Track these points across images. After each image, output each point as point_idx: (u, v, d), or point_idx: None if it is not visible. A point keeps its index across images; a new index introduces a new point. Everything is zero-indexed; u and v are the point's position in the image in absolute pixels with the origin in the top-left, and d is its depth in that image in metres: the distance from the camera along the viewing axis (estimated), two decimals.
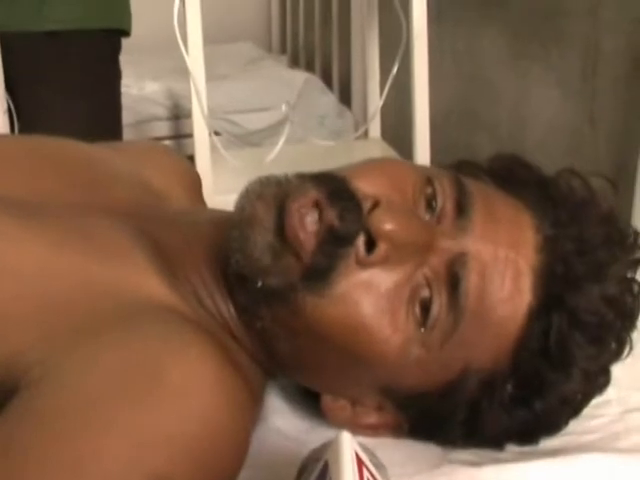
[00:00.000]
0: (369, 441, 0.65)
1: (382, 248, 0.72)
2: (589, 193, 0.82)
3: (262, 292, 0.74)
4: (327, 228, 0.72)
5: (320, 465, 0.58)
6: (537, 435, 0.81)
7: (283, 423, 0.84)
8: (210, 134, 1.79)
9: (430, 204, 0.76)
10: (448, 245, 0.74)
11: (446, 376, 0.76)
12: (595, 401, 0.82)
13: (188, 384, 0.65)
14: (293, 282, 0.72)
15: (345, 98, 2.97)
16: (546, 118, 1.83)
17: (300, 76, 2.99)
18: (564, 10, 1.72)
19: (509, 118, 1.99)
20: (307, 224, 0.72)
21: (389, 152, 2.33)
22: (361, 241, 0.72)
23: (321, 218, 0.72)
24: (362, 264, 0.72)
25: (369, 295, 0.72)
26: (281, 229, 0.72)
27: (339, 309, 0.72)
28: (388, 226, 0.71)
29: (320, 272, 0.72)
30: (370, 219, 0.72)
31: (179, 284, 0.78)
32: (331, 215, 0.72)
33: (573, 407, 0.80)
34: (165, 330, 0.69)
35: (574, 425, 0.81)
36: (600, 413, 0.84)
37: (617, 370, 0.81)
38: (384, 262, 0.72)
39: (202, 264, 0.80)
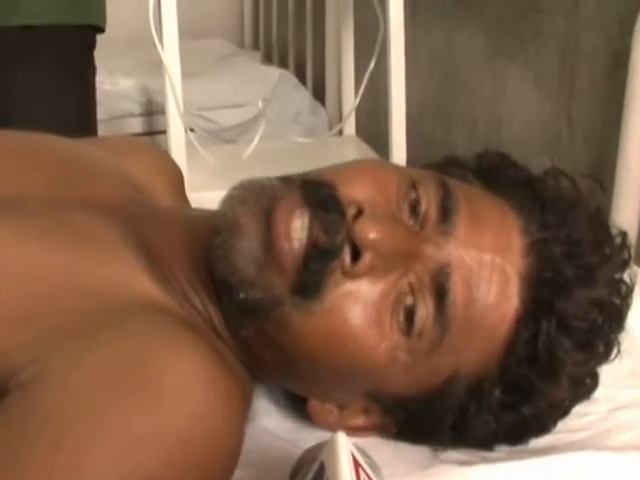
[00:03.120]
0: (360, 441, 0.64)
1: (367, 258, 0.71)
2: (577, 194, 0.81)
3: (245, 304, 0.73)
4: (312, 243, 0.71)
5: (316, 466, 0.58)
6: (526, 437, 0.80)
7: (272, 424, 0.83)
8: (186, 131, 1.79)
9: (414, 209, 0.75)
10: (432, 253, 0.73)
11: (433, 382, 0.75)
12: None
13: (181, 383, 0.64)
14: (279, 296, 0.71)
15: (319, 95, 2.96)
16: (523, 116, 1.83)
17: (274, 72, 2.97)
18: (542, 7, 1.72)
19: (486, 116, 1.99)
20: (294, 237, 0.71)
21: (365, 149, 2.32)
22: (347, 252, 0.71)
23: (307, 229, 0.71)
24: (348, 275, 0.71)
25: (356, 306, 0.72)
26: (267, 239, 0.71)
27: (327, 322, 0.71)
28: (372, 235, 0.70)
29: (310, 288, 0.71)
30: (354, 228, 0.71)
31: (167, 283, 0.77)
32: (316, 229, 0.71)
33: (561, 411, 0.80)
34: (157, 328, 0.68)
35: (564, 423, 0.81)
36: (589, 411, 0.84)
37: (603, 368, 0.80)
38: (370, 271, 0.72)
39: (188, 265, 0.79)
